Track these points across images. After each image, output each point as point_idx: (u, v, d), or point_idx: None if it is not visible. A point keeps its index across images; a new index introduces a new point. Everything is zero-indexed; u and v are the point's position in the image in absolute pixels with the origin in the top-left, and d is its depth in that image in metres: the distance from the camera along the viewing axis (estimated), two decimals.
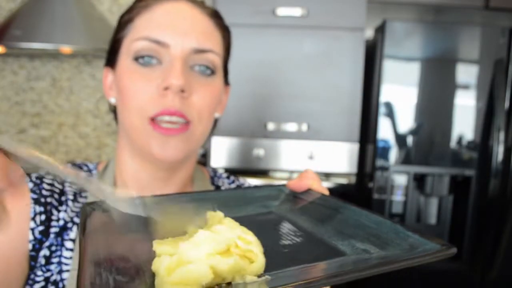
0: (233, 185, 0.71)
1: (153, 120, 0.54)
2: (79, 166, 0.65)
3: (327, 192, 0.46)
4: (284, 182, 0.50)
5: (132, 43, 0.56)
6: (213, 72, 0.59)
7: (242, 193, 0.48)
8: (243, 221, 0.35)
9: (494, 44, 1.43)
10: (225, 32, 0.63)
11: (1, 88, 1.95)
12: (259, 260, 0.29)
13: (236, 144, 1.48)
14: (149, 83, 0.54)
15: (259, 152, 1.47)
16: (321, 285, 0.25)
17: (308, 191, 0.46)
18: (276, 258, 0.30)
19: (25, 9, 1.56)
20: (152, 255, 0.32)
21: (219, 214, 0.34)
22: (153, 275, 0.29)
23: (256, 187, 0.51)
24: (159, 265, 0.27)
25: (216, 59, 0.58)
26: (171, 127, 0.54)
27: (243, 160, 1.48)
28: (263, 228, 0.40)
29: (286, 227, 0.41)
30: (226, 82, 0.67)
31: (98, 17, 1.66)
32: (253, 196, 0.47)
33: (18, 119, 1.96)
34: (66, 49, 1.53)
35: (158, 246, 0.30)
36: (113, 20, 1.85)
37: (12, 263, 0.51)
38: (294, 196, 0.47)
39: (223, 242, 0.28)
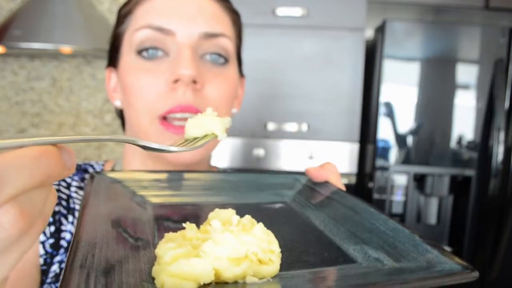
0: None
1: (164, 118, 0.49)
2: (85, 168, 0.60)
3: (344, 188, 0.43)
4: (301, 170, 0.47)
5: (133, 35, 0.51)
6: (226, 60, 0.53)
7: (256, 178, 0.46)
8: (253, 208, 0.33)
9: (494, 44, 1.43)
10: (235, 15, 0.57)
11: (1, 88, 1.94)
12: (274, 267, 0.27)
13: (236, 144, 1.48)
14: (156, 78, 0.49)
15: (259, 152, 1.47)
16: None
17: (325, 183, 0.44)
18: (283, 255, 0.29)
19: (25, 9, 1.56)
20: (152, 235, 0.30)
21: (229, 212, 0.31)
22: (150, 259, 0.27)
23: (271, 172, 0.48)
24: (166, 251, 0.25)
25: (228, 44, 0.53)
26: (184, 124, 0.50)
27: (243, 160, 1.48)
28: (273, 219, 0.39)
29: (297, 222, 0.39)
30: (241, 73, 0.60)
31: (98, 17, 1.66)
32: (266, 182, 0.45)
33: (18, 119, 1.96)
34: (66, 49, 1.53)
35: (169, 235, 0.28)
36: (113, 20, 1.85)
37: (22, 275, 0.47)
38: (310, 187, 0.44)
39: (243, 252, 0.26)
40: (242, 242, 0.26)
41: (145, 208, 0.37)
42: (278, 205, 0.42)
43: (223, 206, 0.35)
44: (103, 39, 1.60)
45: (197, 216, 0.39)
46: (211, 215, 0.31)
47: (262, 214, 0.35)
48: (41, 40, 1.50)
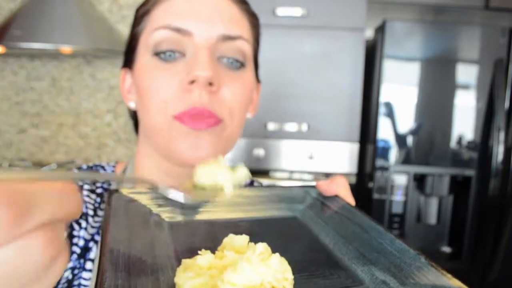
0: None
1: (178, 117, 0.49)
2: (96, 170, 0.59)
3: (353, 203, 0.43)
4: (312, 183, 0.49)
5: (150, 35, 0.50)
6: (243, 65, 0.52)
7: (268, 193, 0.48)
8: (265, 224, 0.35)
9: (494, 44, 1.43)
10: (254, 18, 0.56)
11: (1, 88, 1.95)
12: None
13: (237, 144, 1.47)
14: (172, 78, 0.48)
15: (260, 152, 1.47)
16: None
17: (335, 197, 0.45)
18: (293, 276, 0.30)
19: (25, 9, 1.56)
20: (170, 258, 0.32)
21: (244, 238, 0.33)
22: (169, 285, 0.29)
23: (282, 187, 0.50)
24: (185, 281, 0.27)
25: (246, 48, 0.52)
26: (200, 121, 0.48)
27: (243, 160, 1.48)
28: (284, 236, 0.40)
29: (307, 239, 0.40)
30: (257, 78, 0.60)
31: (98, 17, 1.66)
32: (279, 196, 0.47)
33: (18, 119, 1.96)
34: (66, 49, 1.53)
35: (186, 263, 0.30)
36: (113, 20, 1.85)
37: (29, 279, 0.47)
38: (320, 201, 0.46)
39: (258, 282, 0.28)
40: (258, 273, 0.28)
41: (163, 228, 0.39)
42: (289, 221, 0.44)
43: (236, 223, 0.37)
44: (103, 39, 1.60)
45: (211, 233, 0.40)
46: (225, 241, 0.33)
47: (273, 230, 0.36)
48: (41, 40, 1.50)
